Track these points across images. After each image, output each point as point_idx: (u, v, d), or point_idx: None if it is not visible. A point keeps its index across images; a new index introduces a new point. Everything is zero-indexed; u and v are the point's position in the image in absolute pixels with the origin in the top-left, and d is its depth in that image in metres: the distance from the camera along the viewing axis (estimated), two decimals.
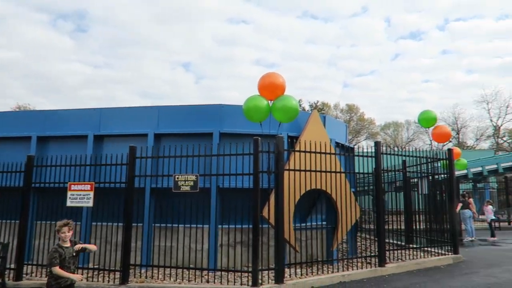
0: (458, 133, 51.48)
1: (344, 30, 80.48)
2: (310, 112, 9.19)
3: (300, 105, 50.08)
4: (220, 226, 7.81)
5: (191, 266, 7.12)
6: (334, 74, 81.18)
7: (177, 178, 6.92)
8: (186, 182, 6.87)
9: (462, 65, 76.61)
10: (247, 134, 7.76)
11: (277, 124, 7.51)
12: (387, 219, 12.75)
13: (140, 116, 8.82)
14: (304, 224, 8.43)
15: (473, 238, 13.47)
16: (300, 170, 7.40)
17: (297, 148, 7.72)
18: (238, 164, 6.89)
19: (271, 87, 7.33)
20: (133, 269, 7.34)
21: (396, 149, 12.16)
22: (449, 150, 9.82)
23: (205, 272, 7.18)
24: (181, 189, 6.88)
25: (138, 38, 74.93)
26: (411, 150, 9.35)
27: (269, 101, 7.39)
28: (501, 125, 49.34)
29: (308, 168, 7.50)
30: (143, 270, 7.59)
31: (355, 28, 79.58)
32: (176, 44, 79.37)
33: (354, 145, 49.11)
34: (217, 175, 7.34)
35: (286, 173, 7.13)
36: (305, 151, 7.49)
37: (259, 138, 6.78)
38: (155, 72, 75.30)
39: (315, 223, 8.38)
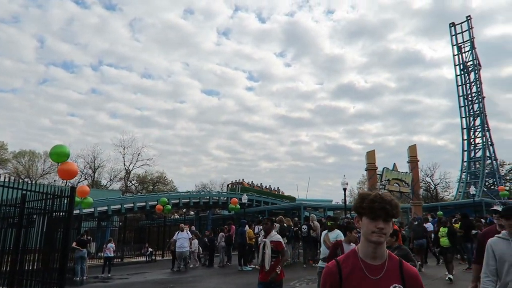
0: (94, 172, 53.69)
1: None
2: None
3: None
4: None
5: None
6: None
7: None
8: None
9: (107, 107, 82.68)
10: None
11: None
12: None
13: None
14: None
15: (84, 277, 13.64)
16: None
17: None
18: None
19: None
20: None
21: (28, 181, 11.10)
22: (72, 188, 9.85)
23: None
24: None
25: None
26: (32, 183, 8.72)
27: None
28: (132, 170, 55.83)
29: None
30: None
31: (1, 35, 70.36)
32: None
33: None
34: None
35: None
36: None
37: None
38: None
39: None
